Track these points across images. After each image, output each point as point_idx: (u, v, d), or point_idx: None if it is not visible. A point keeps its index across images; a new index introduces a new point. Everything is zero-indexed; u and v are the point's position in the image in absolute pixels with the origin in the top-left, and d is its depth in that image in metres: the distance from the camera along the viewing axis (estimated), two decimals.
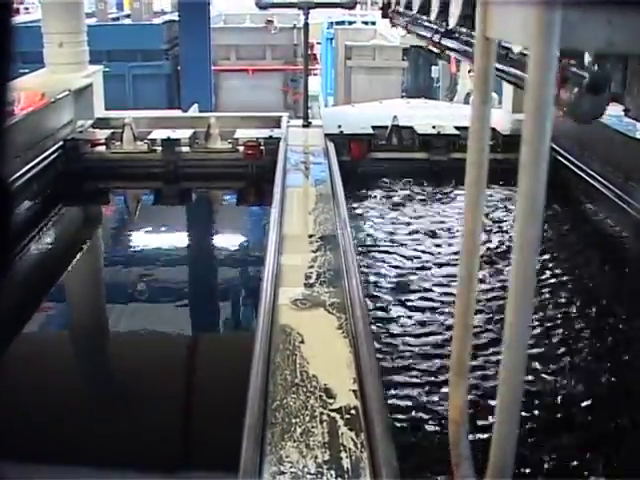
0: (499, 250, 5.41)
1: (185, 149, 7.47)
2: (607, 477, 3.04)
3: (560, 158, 6.56)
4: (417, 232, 5.83)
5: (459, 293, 1.13)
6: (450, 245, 5.42)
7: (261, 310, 3.66)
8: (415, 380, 3.81)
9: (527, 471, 3.01)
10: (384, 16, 7.47)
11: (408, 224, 6.04)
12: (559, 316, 4.45)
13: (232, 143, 7.47)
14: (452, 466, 1.21)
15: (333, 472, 2.53)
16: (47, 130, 7.10)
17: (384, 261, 5.23)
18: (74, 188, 7.38)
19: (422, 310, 4.49)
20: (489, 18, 1.02)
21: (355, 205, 6.37)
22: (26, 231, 6.11)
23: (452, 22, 4.81)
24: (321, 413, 2.87)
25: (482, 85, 1.04)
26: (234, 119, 8.11)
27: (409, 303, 4.60)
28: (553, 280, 4.88)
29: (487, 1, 1.03)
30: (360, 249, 5.31)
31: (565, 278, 4.98)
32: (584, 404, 3.55)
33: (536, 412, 3.47)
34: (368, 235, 5.76)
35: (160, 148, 7.43)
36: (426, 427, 3.43)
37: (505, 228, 5.83)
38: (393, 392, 3.65)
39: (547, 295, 4.64)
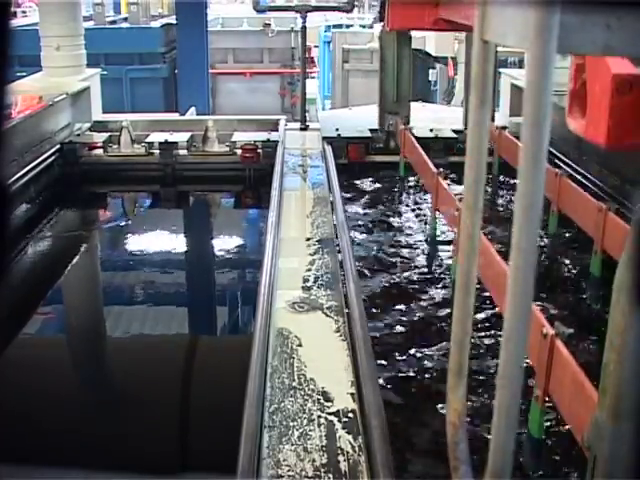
0: None
1: (182, 152, 7.48)
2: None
3: None
4: None
5: (457, 295, 1.13)
6: None
7: (258, 313, 3.66)
8: None
9: None
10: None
11: None
12: None
13: (230, 146, 7.47)
14: (450, 469, 1.21)
15: (331, 475, 2.53)
16: (44, 133, 7.10)
17: None
18: (71, 191, 7.37)
19: None
20: (487, 20, 1.02)
21: None
22: (23, 234, 6.10)
23: None
24: (319, 416, 2.87)
25: (480, 88, 1.04)
26: (231, 122, 8.12)
27: None
28: None
29: (485, 4, 1.03)
30: None
31: None
32: None
33: None
34: None
35: (157, 151, 7.44)
36: None
37: None
38: None
39: None
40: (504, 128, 6.70)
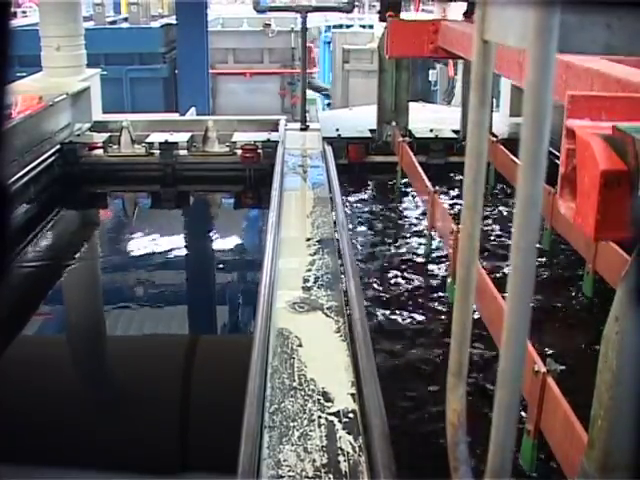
0: None
1: (183, 152, 7.48)
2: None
3: None
4: None
5: (457, 296, 1.13)
6: None
7: (259, 313, 3.66)
8: None
9: None
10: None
11: None
12: None
13: (230, 146, 7.47)
14: (450, 470, 1.21)
15: (331, 475, 2.53)
16: (44, 133, 7.10)
17: None
18: (72, 191, 7.37)
19: None
20: (487, 20, 1.02)
21: None
22: (24, 234, 6.10)
23: None
24: (319, 417, 2.87)
25: (480, 89, 1.04)
26: (232, 122, 8.12)
27: None
28: None
29: (485, 3, 1.03)
30: None
31: None
32: None
33: None
34: None
35: (158, 151, 7.43)
36: None
37: None
38: None
39: None
40: (500, 140, 6.56)
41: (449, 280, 4.75)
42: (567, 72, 2.94)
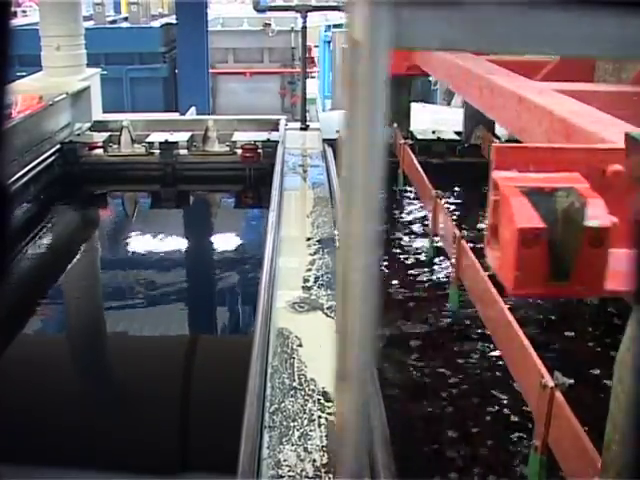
0: None
1: (183, 152, 7.47)
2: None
3: None
4: None
5: (338, 298, 1.07)
6: None
7: (259, 313, 3.66)
8: None
9: None
10: None
11: None
12: None
13: (230, 146, 7.47)
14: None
15: (331, 475, 2.53)
16: (44, 133, 7.10)
17: None
18: (71, 191, 7.37)
19: None
20: (354, 20, 0.99)
21: None
22: (24, 234, 6.10)
23: None
24: (319, 417, 2.87)
25: (353, 90, 0.99)
26: (232, 122, 8.11)
27: None
28: None
29: (352, 4, 1.01)
30: None
31: None
32: None
33: None
34: None
35: (158, 151, 7.43)
36: None
37: None
38: None
39: None
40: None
41: (451, 285, 4.65)
42: (520, 105, 2.95)
